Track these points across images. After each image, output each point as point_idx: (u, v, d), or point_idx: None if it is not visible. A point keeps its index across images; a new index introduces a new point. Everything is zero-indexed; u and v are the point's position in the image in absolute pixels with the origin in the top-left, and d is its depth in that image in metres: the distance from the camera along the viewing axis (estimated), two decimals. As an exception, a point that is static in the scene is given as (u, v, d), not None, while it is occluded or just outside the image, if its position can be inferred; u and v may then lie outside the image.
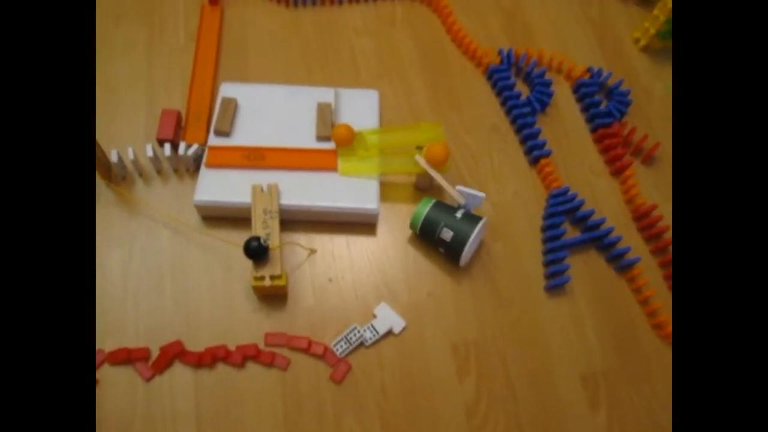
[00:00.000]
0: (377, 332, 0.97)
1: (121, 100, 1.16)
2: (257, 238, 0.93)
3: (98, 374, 0.92)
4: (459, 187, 1.01)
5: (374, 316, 0.98)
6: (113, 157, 1.04)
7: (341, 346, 0.95)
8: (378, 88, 1.17)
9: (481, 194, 1.00)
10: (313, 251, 1.03)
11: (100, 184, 1.06)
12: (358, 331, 0.96)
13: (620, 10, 1.37)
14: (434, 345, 0.97)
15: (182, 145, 1.06)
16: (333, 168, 1.05)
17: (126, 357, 0.92)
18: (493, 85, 1.23)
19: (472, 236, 0.97)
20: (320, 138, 1.08)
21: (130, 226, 1.04)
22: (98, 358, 0.92)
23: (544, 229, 1.08)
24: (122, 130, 1.12)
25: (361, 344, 0.96)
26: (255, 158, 1.04)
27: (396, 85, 1.21)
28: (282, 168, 1.04)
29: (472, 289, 1.02)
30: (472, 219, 0.99)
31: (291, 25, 1.28)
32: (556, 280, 1.02)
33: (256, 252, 0.92)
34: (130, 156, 1.05)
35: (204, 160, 1.04)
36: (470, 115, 1.19)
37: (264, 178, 1.02)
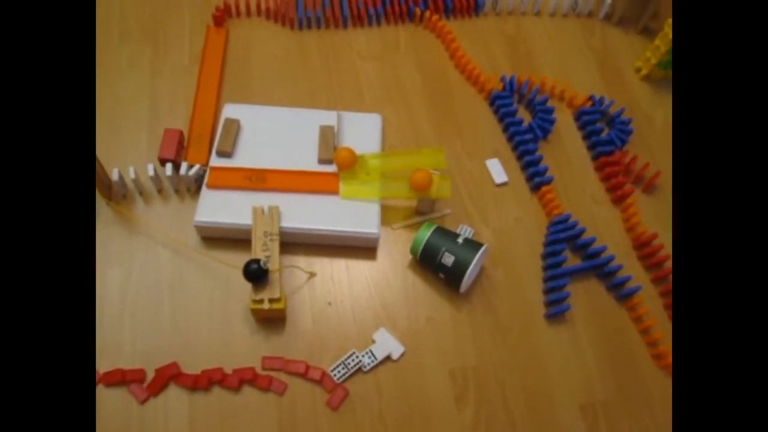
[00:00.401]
0: (375, 358, 0.96)
1: (123, 117, 1.16)
2: (257, 261, 0.92)
3: (93, 395, 0.91)
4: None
5: (373, 341, 0.98)
6: (114, 176, 1.04)
7: (339, 371, 0.94)
8: (381, 112, 1.18)
9: None
10: (312, 275, 1.03)
11: (101, 202, 1.06)
12: (357, 357, 0.95)
13: (622, 40, 1.38)
14: (433, 371, 0.97)
15: (184, 165, 1.06)
16: (334, 191, 1.05)
17: (121, 378, 0.91)
18: (496, 111, 1.23)
19: (474, 262, 0.97)
20: (322, 161, 1.08)
21: (129, 245, 1.03)
22: (93, 378, 0.91)
23: (544, 257, 1.07)
24: (124, 147, 1.12)
25: (359, 369, 0.95)
26: (256, 180, 1.04)
27: (399, 110, 1.22)
28: (283, 190, 1.04)
29: (471, 315, 1.02)
30: (473, 245, 0.99)
31: (295, 48, 1.29)
32: (556, 308, 1.01)
33: (256, 275, 0.92)
34: (131, 175, 1.06)
35: (205, 180, 1.04)
36: (472, 141, 1.19)
37: (265, 200, 1.02)
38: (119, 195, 1.07)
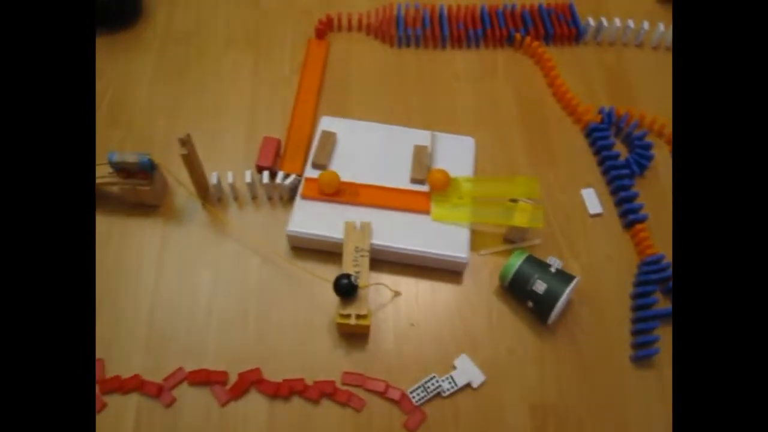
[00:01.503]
0: (456, 384, 0.96)
1: (224, 123, 1.20)
2: (348, 276, 0.93)
3: (176, 393, 0.93)
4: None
5: (453, 367, 0.97)
6: (213, 179, 1.07)
7: (418, 394, 0.94)
8: (474, 135, 1.17)
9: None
10: (398, 293, 1.03)
11: (196, 204, 1.10)
12: (437, 381, 0.95)
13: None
14: (512, 404, 0.95)
15: (280, 174, 1.08)
16: (425, 211, 1.05)
17: (205, 379, 0.94)
18: (592, 144, 1.22)
19: (566, 292, 0.96)
20: (414, 180, 1.09)
21: (220, 248, 1.06)
22: (178, 376, 0.94)
23: (634, 297, 1.05)
24: (223, 152, 1.16)
25: (438, 394, 0.95)
26: (350, 193, 1.06)
27: (493, 134, 1.21)
28: (375, 206, 1.05)
29: (554, 350, 1.00)
30: (565, 276, 0.98)
31: (394, 65, 1.30)
32: (643, 351, 0.99)
33: (347, 290, 0.93)
34: (229, 179, 1.08)
35: (300, 190, 1.06)
36: (566, 172, 1.18)
37: (356, 215, 1.03)
38: (215, 198, 1.10)
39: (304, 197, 1.05)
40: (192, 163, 1.01)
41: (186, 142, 0.98)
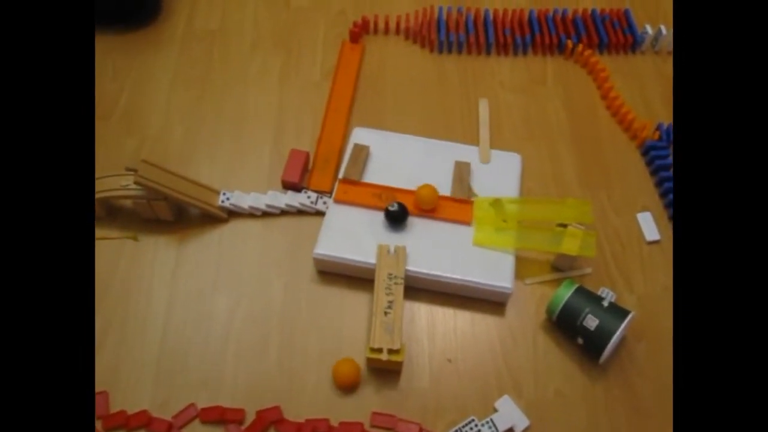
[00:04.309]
0: (496, 429, 0.90)
1: (248, 131, 1.16)
2: (399, 203, 0.99)
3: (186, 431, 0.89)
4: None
5: (495, 410, 0.92)
6: (233, 199, 1.03)
7: (455, 440, 0.89)
8: (520, 151, 1.13)
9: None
10: (449, 360, 0.97)
11: (214, 222, 1.06)
12: (476, 425, 0.90)
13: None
14: (559, 453, 0.90)
15: (304, 194, 1.05)
16: (467, 221, 1.02)
17: (220, 417, 0.89)
18: (649, 163, 1.16)
19: (620, 329, 0.91)
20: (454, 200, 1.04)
21: (240, 271, 1.02)
22: (190, 412, 0.90)
23: (697, 336, 0.99)
24: (246, 164, 1.12)
25: (478, 440, 0.90)
26: (386, 199, 1.02)
27: (541, 150, 1.16)
28: (413, 214, 1.01)
29: (607, 392, 0.95)
30: (619, 311, 0.93)
31: (433, 72, 1.26)
32: (708, 399, 0.93)
33: (396, 216, 0.98)
34: (251, 195, 1.05)
35: (333, 195, 1.04)
36: (620, 194, 1.12)
37: (390, 237, 0.99)
38: (235, 215, 1.06)
39: (337, 201, 1.03)
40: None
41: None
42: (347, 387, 0.92)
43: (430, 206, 1.01)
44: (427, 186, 1.02)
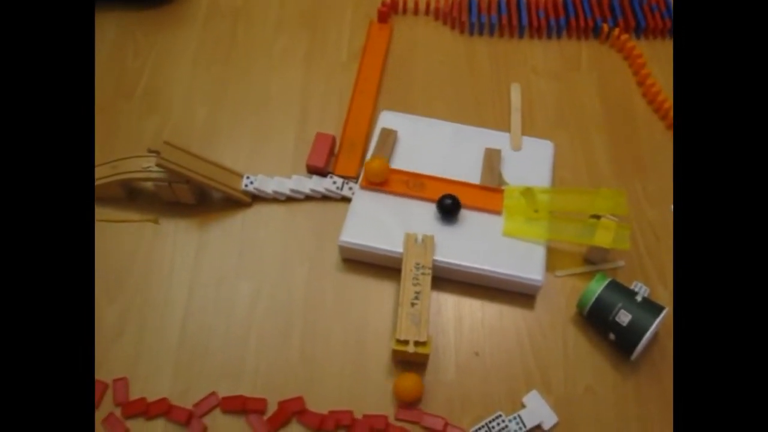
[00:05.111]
0: (524, 425, 0.89)
1: (272, 114, 1.14)
2: (451, 196, 0.97)
3: (207, 421, 0.88)
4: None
5: (522, 405, 0.90)
6: (257, 183, 1.02)
7: (481, 435, 0.87)
8: (553, 138, 1.10)
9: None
10: (476, 354, 0.95)
11: (238, 207, 1.04)
12: (503, 420, 0.88)
13: None
14: (588, 452, 0.88)
15: (330, 179, 1.03)
16: (497, 210, 1.00)
17: (241, 406, 0.88)
18: (686, 153, 1.13)
19: (654, 325, 0.89)
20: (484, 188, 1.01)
21: (263, 256, 1.00)
22: (211, 401, 0.88)
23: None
24: (271, 147, 1.11)
25: (504, 436, 0.88)
26: (414, 186, 1.00)
27: (573, 138, 1.14)
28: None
29: (638, 390, 0.93)
30: (653, 306, 0.91)
31: (463, 55, 1.23)
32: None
33: (449, 209, 0.96)
34: (276, 179, 1.04)
35: (359, 180, 1.02)
36: (656, 185, 1.10)
37: (419, 224, 0.97)
38: (250, 200, 1.05)
39: (364, 187, 1.01)
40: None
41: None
42: (409, 402, 0.90)
43: (381, 179, 1.00)
44: (377, 158, 1.00)
